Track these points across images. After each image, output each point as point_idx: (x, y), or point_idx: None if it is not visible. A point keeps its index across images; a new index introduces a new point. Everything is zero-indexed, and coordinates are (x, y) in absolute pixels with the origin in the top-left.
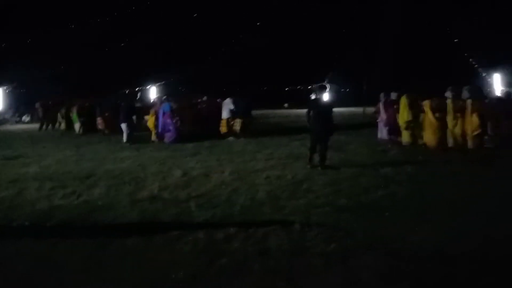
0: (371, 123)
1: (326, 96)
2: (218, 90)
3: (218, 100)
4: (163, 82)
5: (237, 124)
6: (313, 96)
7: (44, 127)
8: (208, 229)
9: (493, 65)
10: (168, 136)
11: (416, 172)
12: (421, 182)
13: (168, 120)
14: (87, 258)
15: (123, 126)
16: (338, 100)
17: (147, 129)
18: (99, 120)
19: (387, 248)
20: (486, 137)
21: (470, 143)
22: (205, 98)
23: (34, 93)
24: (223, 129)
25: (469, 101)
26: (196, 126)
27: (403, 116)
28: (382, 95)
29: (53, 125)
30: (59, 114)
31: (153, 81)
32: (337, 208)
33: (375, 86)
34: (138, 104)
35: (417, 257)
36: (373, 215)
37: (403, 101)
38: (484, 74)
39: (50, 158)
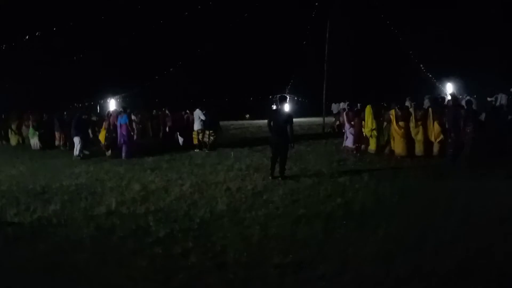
0: (330, 133)
1: (286, 107)
2: (180, 103)
3: (186, 111)
4: (123, 94)
5: (206, 136)
6: (274, 107)
7: None
8: (165, 244)
9: (446, 75)
10: (124, 151)
11: (372, 181)
12: (377, 191)
13: (124, 133)
14: (38, 277)
15: (75, 139)
16: (298, 111)
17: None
18: (57, 135)
19: (342, 258)
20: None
21: (435, 150)
22: (165, 110)
23: None
24: (195, 140)
25: (430, 110)
26: (157, 138)
27: (368, 124)
28: (334, 105)
29: (6, 140)
30: (10, 128)
31: (112, 94)
32: (295, 219)
33: (333, 97)
34: (93, 118)
35: (370, 267)
36: (330, 225)
37: (368, 110)
38: (438, 84)
39: (3, 174)
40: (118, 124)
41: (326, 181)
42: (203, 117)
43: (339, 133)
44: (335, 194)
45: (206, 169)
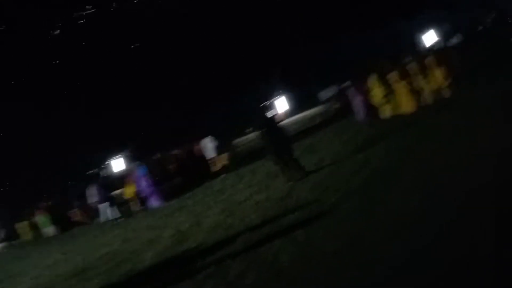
0: (333, 117)
1: (279, 110)
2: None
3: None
4: (130, 149)
5: (225, 159)
6: (268, 115)
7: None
8: (216, 275)
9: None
10: (153, 200)
11: (393, 148)
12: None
13: (146, 183)
14: None
15: (103, 206)
16: (296, 107)
17: (127, 201)
18: (76, 212)
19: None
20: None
21: (446, 94)
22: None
23: None
24: (215, 167)
25: (429, 58)
26: (182, 175)
27: (378, 93)
28: (322, 93)
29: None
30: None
31: (117, 152)
32: (332, 211)
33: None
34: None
35: None
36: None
37: (374, 79)
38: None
39: (40, 267)
40: (139, 178)
41: (345, 163)
42: (213, 144)
43: (343, 114)
44: (358, 175)
45: (229, 191)
